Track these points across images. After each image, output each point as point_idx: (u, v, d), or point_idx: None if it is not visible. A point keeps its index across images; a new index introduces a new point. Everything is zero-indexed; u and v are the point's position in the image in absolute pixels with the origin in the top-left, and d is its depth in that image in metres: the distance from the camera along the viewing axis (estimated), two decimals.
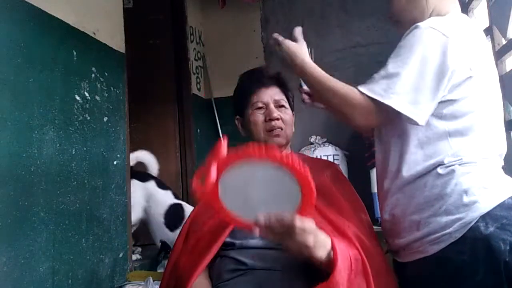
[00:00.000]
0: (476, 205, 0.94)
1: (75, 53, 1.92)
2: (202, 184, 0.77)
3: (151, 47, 3.33)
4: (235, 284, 0.99)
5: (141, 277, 1.95)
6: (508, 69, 1.90)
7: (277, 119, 1.18)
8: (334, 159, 2.91)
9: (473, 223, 0.93)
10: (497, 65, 1.94)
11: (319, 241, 0.81)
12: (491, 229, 0.91)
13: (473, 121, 0.99)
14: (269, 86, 1.21)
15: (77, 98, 1.92)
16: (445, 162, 0.97)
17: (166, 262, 2.49)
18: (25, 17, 1.63)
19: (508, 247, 0.90)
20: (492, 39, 1.99)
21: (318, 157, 2.80)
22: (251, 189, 0.77)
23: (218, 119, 3.58)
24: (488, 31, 2.03)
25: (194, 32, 3.61)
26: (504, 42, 1.90)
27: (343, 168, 2.89)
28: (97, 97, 2.07)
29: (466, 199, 0.95)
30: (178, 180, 3.28)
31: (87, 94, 1.99)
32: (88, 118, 1.98)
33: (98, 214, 2.00)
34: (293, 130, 1.27)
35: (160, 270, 2.44)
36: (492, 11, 1.99)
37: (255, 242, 1.03)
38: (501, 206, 0.93)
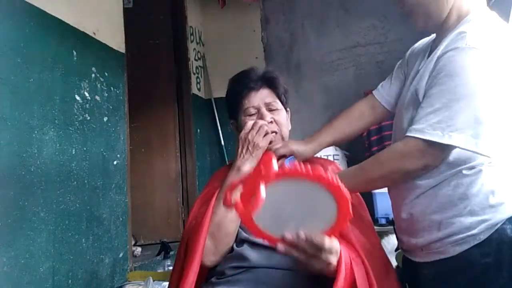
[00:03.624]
0: (503, 206, 0.90)
1: (75, 53, 1.92)
2: (243, 199, 0.73)
3: (151, 47, 3.33)
4: (237, 281, 0.99)
5: (141, 277, 1.95)
6: None
7: (271, 122, 1.17)
8: (334, 159, 2.91)
9: (499, 225, 0.89)
10: None
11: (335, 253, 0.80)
12: None
13: (503, 124, 0.93)
14: (259, 89, 1.20)
15: (77, 98, 1.92)
16: (473, 163, 0.92)
17: (166, 262, 2.50)
18: (25, 17, 1.64)
19: None
20: None
21: (318, 156, 2.79)
22: (284, 205, 0.74)
23: (218, 119, 3.59)
24: None
25: (194, 32, 3.61)
26: None
27: (343, 168, 2.89)
28: (97, 97, 2.07)
29: (492, 200, 0.90)
30: (178, 180, 3.28)
31: (87, 94, 1.99)
32: (88, 118, 1.98)
33: (98, 214, 2.00)
34: (290, 127, 1.26)
35: (160, 270, 2.44)
36: (492, 11, 1.99)
37: (260, 240, 1.01)
38: None
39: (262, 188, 0.70)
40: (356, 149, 2.92)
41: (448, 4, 0.99)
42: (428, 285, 1.02)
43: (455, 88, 0.87)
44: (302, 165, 0.70)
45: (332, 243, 0.76)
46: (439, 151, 0.89)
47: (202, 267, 1.02)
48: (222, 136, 3.56)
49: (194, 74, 3.51)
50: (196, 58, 3.60)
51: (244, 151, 1.07)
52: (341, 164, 2.92)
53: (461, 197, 0.92)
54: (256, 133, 1.07)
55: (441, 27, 1.01)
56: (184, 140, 3.34)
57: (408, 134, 0.91)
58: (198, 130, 3.47)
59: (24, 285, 1.52)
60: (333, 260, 0.77)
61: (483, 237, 0.89)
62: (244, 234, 1.04)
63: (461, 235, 0.91)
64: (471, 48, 0.88)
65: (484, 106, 0.87)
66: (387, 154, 0.96)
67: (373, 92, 1.24)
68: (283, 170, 0.72)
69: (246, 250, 1.02)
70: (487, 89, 0.88)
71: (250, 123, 1.10)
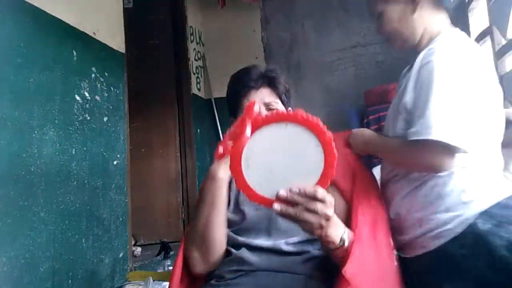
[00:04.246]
0: (474, 203, 1.00)
1: (75, 53, 1.92)
2: (231, 143, 0.77)
3: (151, 47, 3.33)
4: (236, 284, 0.99)
5: (141, 277, 1.94)
6: (508, 69, 1.90)
7: None
8: None
9: (472, 220, 0.98)
10: (497, 65, 1.94)
11: (333, 221, 0.81)
12: (489, 226, 0.97)
13: (475, 130, 1.02)
14: (259, 88, 1.19)
15: (77, 98, 1.92)
16: None
17: (166, 262, 2.50)
18: (25, 17, 1.64)
19: (504, 243, 0.96)
20: (492, 39, 1.99)
21: None
22: (273, 158, 0.77)
23: (218, 119, 3.59)
24: (488, 31, 2.03)
25: (194, 32, 3.61)
26: (504, 42, 1.90)
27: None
28: (97, 97, 2.07)
29: (464, 197, 1.01)
30: (178, 180, 3.28)
31: (87, 94, 1.99)
32: (88, 118, 1.98)
33: (98, 214, 2.00)
34: None
35: (160, 270, 2.44)
36: (492, 11, 1.99)
37: (260, 241, 1.02)
38: (498, 205, 0.99)
39: (248, 128, 0.74)
40: None
41: (420, 29, 1.14)
42: (417, 278, 1.09)
43: (431, 95, 0.99)
44: (284, 110, 0.74)
45: (325, 194, 0.76)
46: (440, 149, 0.98)
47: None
48: (222, 136, 3.56)
49: (194, 74, 3.51)
50: (196, 58, 3.60)
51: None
52: None
53: (437, 196, 1.03)
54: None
55: (416, 48, 1.15)
56: (184, 140, 3.34)
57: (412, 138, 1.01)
58: (198, 130, 3.47)
59: (24, 285, 1.52)
60: (330, 212, 0.76)
61: (458, 230, 0.99)
62: (241, 239, 1.04)
63: (439, 230, 1.02)
64: (438, 60, 1.02)
65: (460, 109, 0.98)
66: (404, 149, 1.07)
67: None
68: (266, 116, 0.76)
69: (245, 253, 1.01)
70: (458, 94, 0.99)
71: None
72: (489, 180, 1.04)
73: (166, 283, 1.53)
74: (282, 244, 1.00)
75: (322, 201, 0.75)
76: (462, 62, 1.03)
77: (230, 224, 1.08)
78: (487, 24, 2.04)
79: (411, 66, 1.13)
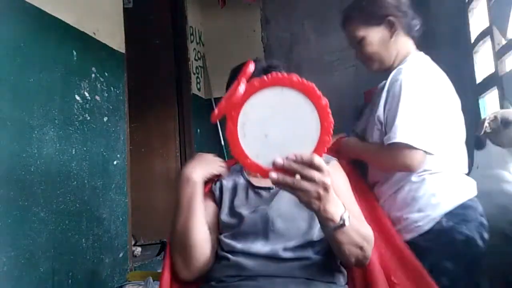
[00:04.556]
0: (441, 205, 1.20)
1: (75, 53, 1.92)
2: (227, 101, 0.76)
3: (151, 47, 3.34)
4: (238, 286, 0.98)
5: (141, 277, 1.94)
6: (508, 69, 1.90)
7: None
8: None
9: (438, 218, 1.18)
10: (497, 65, 1.95)
11: (332, 196, 0.79)
12: (451, 223, 1.18)
13: (441, 141, 1.22)
14: None
15: (77, 98, 1.92)
16: (419, 173, 1.22)
17: None
18: (25, 17, 1.64)
19: (463, 238, 1.17)
20: (492, 39, 1.99)
21: None
22: (270, 123, 0.75)
23: (218, 119, 3.58)
24: (488, 31, 2.03)
25: (194, 32, 3.61)
26: (504, 42, 1.90)
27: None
28: (97, 97, 2.07)
29: (433, 200, 1.20)
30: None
31: (87, 94, 1.99)
32: (88, 118, 1.98)
33: (98, 214, 2.00)
34: None
35: (160, 270, 2.44)
36: (492, 11, 1.99)
37: (258, 248, 1.01)
38: (461, 206, 1.20)
39: (242, 86, 0.74)
40: None
41: (394, 52, 1.32)
42: None
43: (399, 107, 1.18)
44: (279, 74, 0.74)
45: (322, 162, 0.74)
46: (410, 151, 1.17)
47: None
48: (222, 136, 3.56)
49: (194, 74, 3.51)
50: (196, 58, 3.60)
51: (194, 161, 1.09)
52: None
53: (412, 199, 1.23)
54: (218, 159, 1.12)
55: (390, 68, 1.32)
56: (184, 140, 3.34)
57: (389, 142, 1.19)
58: (198, 130, 3.47)
59: (24, 285, 1.52)
60: (327, 181, 0.75)
61: (426, 228, 1.19)
62: (239, 246, 1.02)
63: (412, 226, 1.21)
64: (405, 78, 1.20)
65: (423, 117, 1.17)
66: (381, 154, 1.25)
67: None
68: (262, 80, 0.75)
69: (243, 259, 1.01)
70: (421, 106, 1.18)
71: None
72: (454, 184, 1.24)
73: None
74: (280, 250, 0.99)
75: (318, 168, 0.74)
76: (425, 79, 1.22)
77: (226, 228, 1.07)
78: (487, 24, 2.04)
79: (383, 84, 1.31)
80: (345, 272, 1.07)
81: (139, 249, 2.70)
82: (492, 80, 2.02)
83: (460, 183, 1.26)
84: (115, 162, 2.18)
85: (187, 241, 1.01)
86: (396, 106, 1.18)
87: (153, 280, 1.76)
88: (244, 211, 1.06)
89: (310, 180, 0.74)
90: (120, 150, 2.23)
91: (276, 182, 0.75)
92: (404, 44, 1.32)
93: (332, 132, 0.74)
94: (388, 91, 1.23)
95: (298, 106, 0.74)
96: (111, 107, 2.18)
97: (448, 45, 2.84)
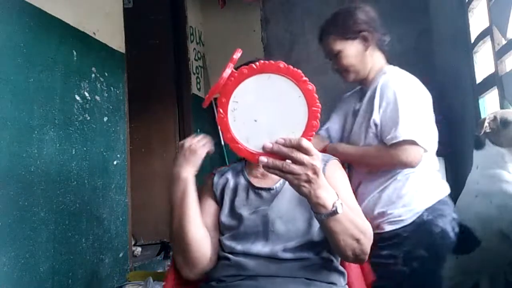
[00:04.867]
0: (422, 200, 1.34)
1: (75, 53, 1.92)
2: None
3: (151, 47, 3.33)
4: (238, 285, 0.99)
5: (141, 277, 1.94)
6: (508, 69, 1.90)
7: None
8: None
9: (420, 213, 1.32)
10: (497, 65, 1.94)
11: (323, 181, 0.80)
12: (430, 217, 1.32)
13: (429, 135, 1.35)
14: None
15: (77, 98, 1.92)
16: (404, 171, 1.35)
17: (166, 262, 2.50)
18: (25, 17, 1.64)
19: (439, 230, 1.31)
20: (492, 39, 1.99)
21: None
22: (260, 109, 0.78)
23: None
24: (488, 31, 2.03)
25: (194, 32, 3.61)
26: (504, 42, 1.90)
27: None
28: (97, 97, 2.07)
29: (417, 196, 1.34)
30: None
31: (87, 94, 1.99)
32: (88, 118, 1.98)
33: (98, 214, 2.00)
34: None
35: (160, 270, 2.44)
36: (492, 11, 1.99)
37: (258, 248, 1.01)
38: (440, 202, 1.35)
39: (227, 70, 0.78)
40: None
41: (369, 64, 1.44)
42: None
43: (399, 111, 1.31)
44: (267, 61, 0.77)
45: (310, 145, 0.76)
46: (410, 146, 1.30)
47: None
48: (223, 136, 3.56)
49: (194, 74, 3.51)
50: (196, 58, 3.60)
51: (181, 158, 1.07)
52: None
53: (397, 196, 1.35)
54: (196, 140, 1.10)
55: (365, 80, 1.47)
56: None
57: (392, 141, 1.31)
58: (198, 130, 3.47)
59: (24, 285, 1.52)
60: (316, 163, 0.76)
61: (409, 220, 1.33)
62: (239, 248, 1.03)
63: (395, 219, 1.34)
64: (397, 85, 1.35)
65: (420, 118, 1.33)
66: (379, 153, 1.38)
67: (321, 133, 1.60)
68: (250, 67, 0.78)
69: (243, 259, 1.01)
70: (416, 108, 1.33)
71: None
72: (434, 181, 1.39)
73: None
74: (280, 251, 0.99)
75: (307, 151, 0.75)
76: (412, 85, 1.38)
77: (226, 229, 1.07)
78: (487, 24, 2.04)
79: (362, 94, 1.48)
80: (346, 273, 1.08)
81: (139, 249, 2.70)
82: (492, 80, 2.02)
83: (438, 180, 1.42)
84: (115, 162, 2.18)
85: (184, 239, 1.01)
86: (395, 110, 1.31)
87: (153, 280, 1.76)
88: (244, 212, 1.06)
89: (299, 163, 0.75)
90: (120, 150, 2.23)
91: (265, 166, 0.76)
92: (377, 57, 1.45)
93: (319, 116, 0.77)
94: (381, 98, 1.35)
95: (286, 91, 0.77)
96: (111, 107, 2.18)
97: (448, 45, 2.84)
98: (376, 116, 1.35)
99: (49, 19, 1.77)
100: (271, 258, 1.00)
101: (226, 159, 3.43)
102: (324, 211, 0.83)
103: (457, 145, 2.55)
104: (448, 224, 1.33)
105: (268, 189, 1.08)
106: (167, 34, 3.38)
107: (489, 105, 2.22)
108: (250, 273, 1.00)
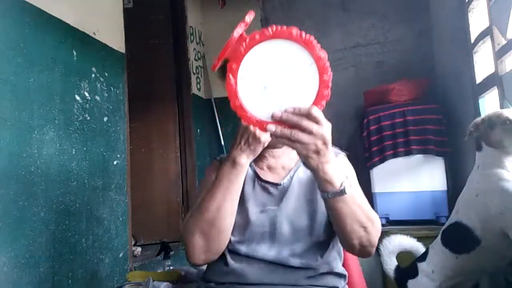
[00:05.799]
0: None
1: (75, 53, 1.92)
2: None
3: (151, 47, 3.33)
4: None
5: (141, 277, 1.94)
6: (508, 69, 1.90)
7: None
8: None
9: None
10: (497, 65, 1.95)
11: (332, 157, 0.78)
12: None
13: None
14: None
15: (77, 98, 1.92)
16: None
17: (166, 262, 2.50)
18: (25, 17, 1.64)
19: None
20: (492, 39, 1.99)
21: None
22: (270, 76, 0.75)
23: (218, 119, 3.58)
24: (488, 31, 2.03)
25: (194, 32, 3.61)
26: (504, 42, 1.90)
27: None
28: (97, 97, 2.07)
29: None
30: (178, 180, 3.28)
31: (87, 94, 1.99)
32: (88, 118, 1.98)
33: (98, 214, 2.00)
34: None
35: (160, 270, 2.44)
36: (492, 11, 1.99)
37: (263, 251, 0.99)
38: None
39: (238, 29, 0.76)
40: (356, 149, 2.92)
41: None
42: None
43: None
44: (279, 27, 0.74)
45: (321, 114, 0.74)
46: None
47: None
48: (222, 136, 3.56)
49: (194, 74, 3.51)
50: (196, 58, 3.60)
51: (243, 142, 0.94)
52: None
53: None
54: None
55: None
56: (184, 140, 3.34)
57: None
58: (198, 130, 3.47)
59: (24, 285, 1.52)
60: (326, 133, 0.74)
61: None
62: (244, 249, 1.00)
63: None
64: None
65: None
66: None
67: None
68: (262, 32, 0.75)
69: (245, 267, 0.99)
70: None
71: None
72: None
73: (166, 283, 1.53)
74: (287, 256, 0.97)
75: (317, 120, 0.73)
76: None
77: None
78: (487, 24, 2.04)
79: None
80: (347, 275, 1.07)
81: (139, 249, 2.69)
82: (492, 80, 2.02)
83: None
84: (115, 162, 2.18)
85: (218, 223, 0.94)
86: None
87: (153, 280, 1.76)
88: (252, 207, 1.02)
89: (309, 131, 0.74)
90: (120, 150, 2.23)
91: (274, 135, 0.74)
92: None
93: (330, 85, 0.75)
94: None
95: (298, 59, 0.75)
96: (111, 107, 2.18)
97: (448, 45, 2.84)
98: None
99: (49, 19, 1.77)
100: (277, 264, 0.98)
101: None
102: (331, 188, 0.81)
103: (457, 145, 2.56)
104: None
105: (276, 185, 1.04)
106: (167, 34, 3.38)
107: (489, 105, 2.22)
108: (251, 281, 0.98)
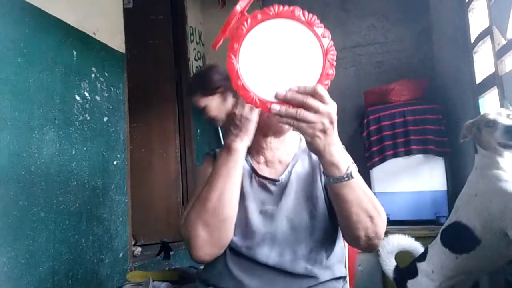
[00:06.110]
0: None
1: (75, 53, 1.92)
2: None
3: (151, 47, 3.33)
4: None
5: (141, 277, 1.94)
6: (508, 69, 1.90)
7: None
8: None
9: None
10: (497, 65, 1.95)
11: (337, 139, 0.76)
12: None
13: None
14: None
15: (77, 98, 1.92)
16: None
17: (166, 262, 2.50)
18: (25, 17, 1.64)
19: None
20: (492, 39, 1.99)
21: None
22: (273, 56, 0.74)
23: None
24: (488, 31, 2.03)
25: (194, 32, 3.61)
26: (504, 42, 1.90)
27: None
28: (97, 97, 2.07)
29: None
30: (178, 180, 3.28)
31: (87, 94, 1.99)
32: (88, 118, 1.98)
33: (98, 214, 2.00)
34: None
35: (160, 270, 2.44)
36: (492, 11, 1.99)
37: (264, 254, 0.97)
38: None
39: (241, 2, 0.76)
40: (356, 149, 2.92)
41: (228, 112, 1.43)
42: None
43: None
44: (281, 6, 0.73)
45: (326, 93, 0.72)
46: None
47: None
48: (222, 136, 3.56)
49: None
50: (196, 58, 3.60)
51: (232, 127, 0.93)
52: None
53: None
54: (242, 107, 0.94)
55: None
56: (184, 140, 3.34)
57: None
58: (198, 130, 3.47)
59: (24, 285, 1.52)
60: (332, 112, 0.72)
61: None
62: (245, 251, 0.99)
63: None
64: None
65: None
66: None
67: None
68: (265, 12, 0.74)
69: (245, 277, 0.97)
70: None
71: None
72: None
73: (166, 283, 1.53)
74: (290, 261, 0.96)
75: (322, 98, 0.72)
76: None
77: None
78: (487, 24, 2.04)
79: None
80: (347, 276, 1.07)
81: (139, 249, 2.69)
82: (492, 80, 2.02)
83: None
84: (115, 162, 2.18)
85: (220, 213, 0.91)
86: None
87: (153, 280, 1.76)
88: (251, 205, 1.01)
89: (315, 110, 0.72)
90: (120, 150, 2.24)
91: (278, 114, 0.72)
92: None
93: (335, 64, 0.73)
94: None
95: (301, 38, 0.74)
96: (111, 107, 2.18)
97: (448, 45, 2.84)
98: None
99: (49, 19, 1.77)
100: (279, 271, 0.96)
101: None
102: (337, 173, 0.79)
103: (457, 145, 2.56)
104: None
105: (274, 181, 1.03)
106: (167, 34, 3.38)
107: (489, 105, 2.22)
108: None
